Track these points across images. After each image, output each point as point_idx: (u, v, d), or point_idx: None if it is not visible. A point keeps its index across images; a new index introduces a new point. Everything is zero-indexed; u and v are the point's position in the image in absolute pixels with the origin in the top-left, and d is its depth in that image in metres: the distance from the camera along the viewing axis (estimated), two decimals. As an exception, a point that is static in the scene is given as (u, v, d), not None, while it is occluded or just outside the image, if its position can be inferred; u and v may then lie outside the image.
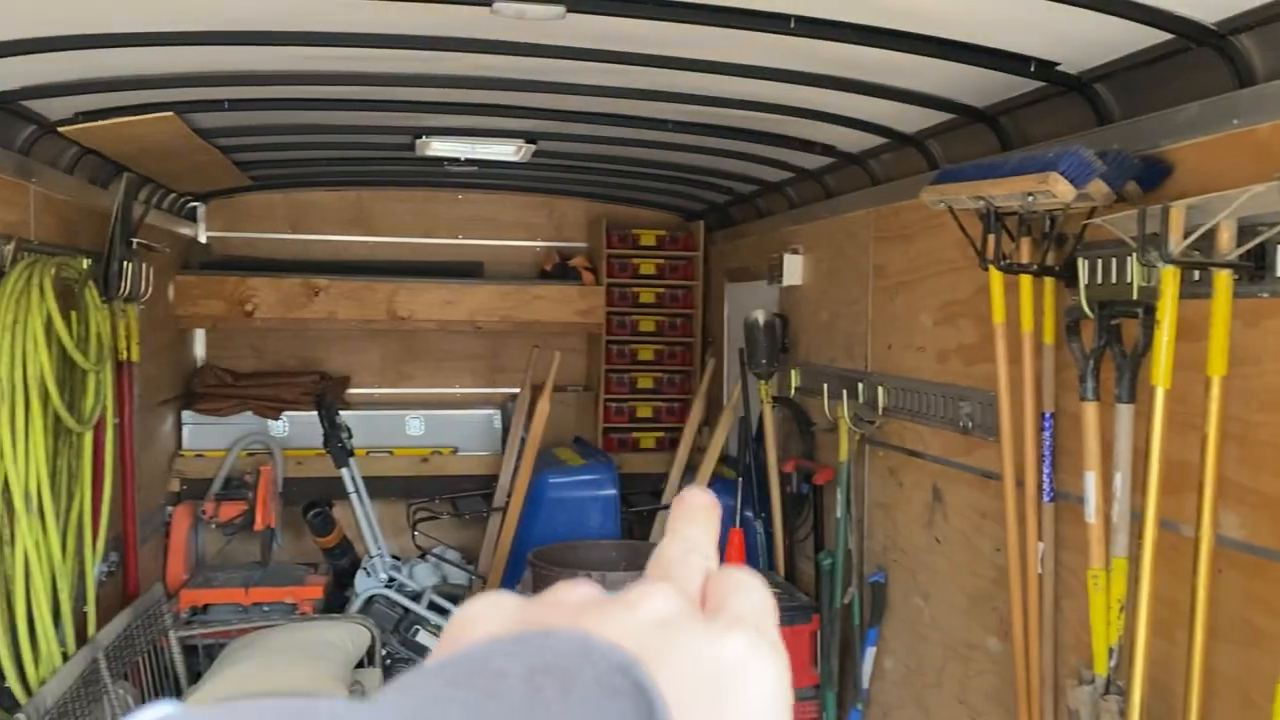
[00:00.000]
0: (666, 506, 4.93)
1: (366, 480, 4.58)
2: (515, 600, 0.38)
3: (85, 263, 3.13)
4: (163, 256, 4.19)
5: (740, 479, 4.53)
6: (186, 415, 5.10)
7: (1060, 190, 2.19)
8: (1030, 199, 2.31)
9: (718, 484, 4.73)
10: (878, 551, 3.57)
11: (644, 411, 5.66)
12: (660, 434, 5.65)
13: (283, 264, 5.38)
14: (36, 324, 2.74)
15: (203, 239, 5.48)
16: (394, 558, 4.84)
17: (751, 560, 4.41)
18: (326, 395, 4.64)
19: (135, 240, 3.58)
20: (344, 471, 4.42)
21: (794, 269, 4.26)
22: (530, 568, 3.69)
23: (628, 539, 4.67)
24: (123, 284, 3.48)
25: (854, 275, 3.76)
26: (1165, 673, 2.11)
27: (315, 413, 4.50)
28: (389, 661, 4.22)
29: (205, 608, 4.26)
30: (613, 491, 4.69)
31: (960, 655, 3.02)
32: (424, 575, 4.95)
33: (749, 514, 4.47)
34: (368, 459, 5.04)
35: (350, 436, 4.45)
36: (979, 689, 2.91)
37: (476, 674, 0.32)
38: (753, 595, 0.41)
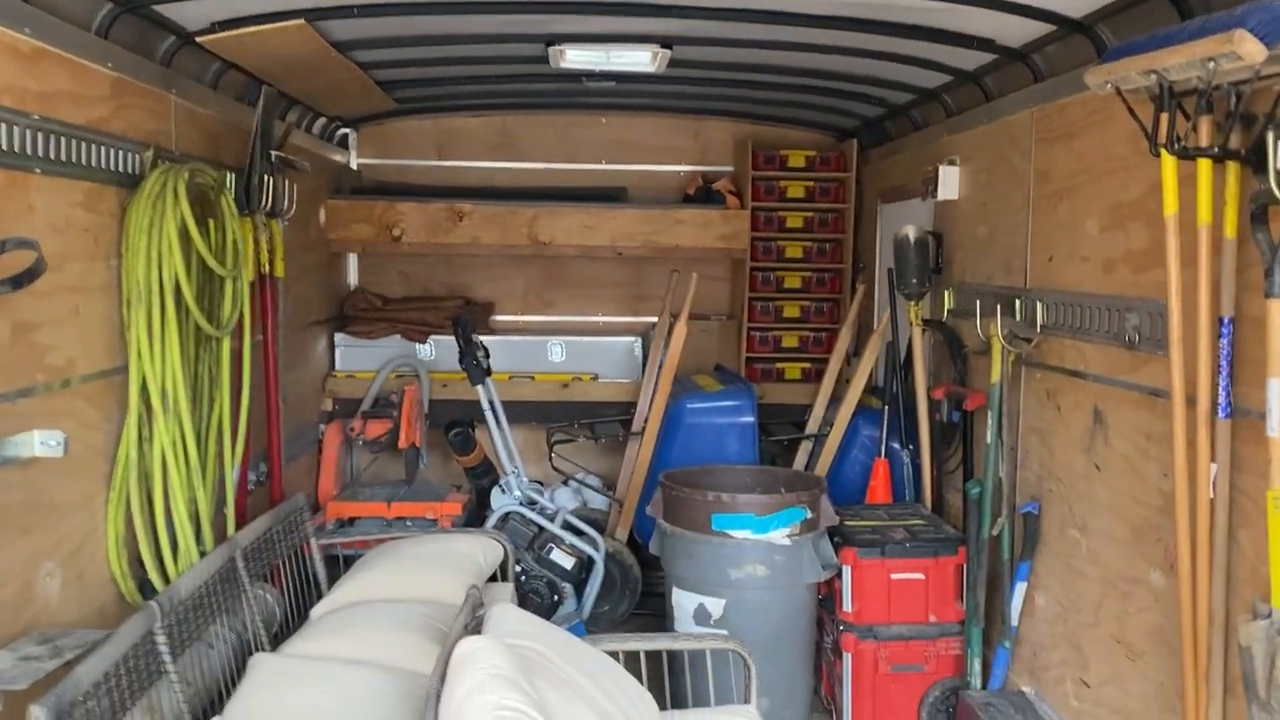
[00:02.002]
0: (810, 435, 4.75)
1: (508, 405, 4.59)
2: None
3: (221, 173, 3.18)
4: (307, 175, 4.26)
5: (886, 408, 4.30)
6: (339, 337, 5.26)
7: (1248, 50, 1.89)
8: (1212, 66, 2.01)
9: (863, 414, 4.52)
10: (1031, 480, 3.30)
11: (790, 341, 5.47)
12: (806, 364, 5.45)
13: (429, 190, 5.43)
14: (170, 227, 2.79)
15: (354, 165, 5.58)
16: (537, 483, 4.86)
17: (897, 492, 4.20)
18: (462, 315, 4.66)
19: (275, 154, 3.62)
20: (479, 389, 4.43)
21: (950, 181, 3.97)
22: (661, 489, 3.59)
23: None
24: (264, 198, 3.53)
25: (1014, 183, 3.46)
26: (1359, 609, 1.83)
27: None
28: (523, 577, 4.24)
29: (351, 520, 4.40)
30: (750, 419, 4.54)
31: (1120, 591, 2.75)
32: (565, 500, 4.95)
33: (895, 445, 4.24)
34: (510, 384, 5.06)
35: (487, 356, 4.45)
36: (1139, 627, 2.64)
37: None
38: None
